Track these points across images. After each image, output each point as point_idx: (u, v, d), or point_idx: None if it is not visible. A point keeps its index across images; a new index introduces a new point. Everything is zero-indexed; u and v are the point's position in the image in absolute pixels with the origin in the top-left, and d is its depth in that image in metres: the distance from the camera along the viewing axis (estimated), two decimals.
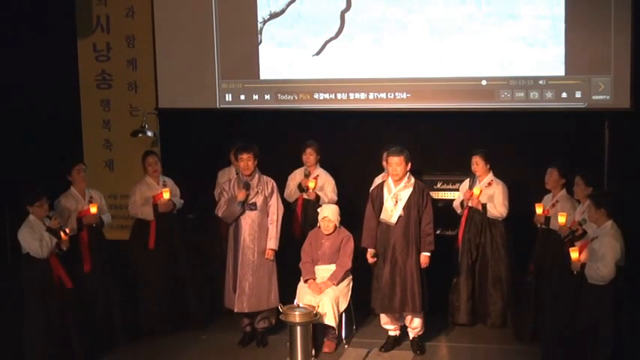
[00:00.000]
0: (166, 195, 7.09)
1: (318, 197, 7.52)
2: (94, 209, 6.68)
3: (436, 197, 7.54)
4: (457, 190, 7.54)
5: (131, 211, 7.21)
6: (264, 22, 8.26)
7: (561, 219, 6.28)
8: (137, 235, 7.21)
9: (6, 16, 8.56)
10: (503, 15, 7.77)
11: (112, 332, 6.76)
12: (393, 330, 6.71)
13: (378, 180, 7.18)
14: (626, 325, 5.58)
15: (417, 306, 6.35)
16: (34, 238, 6.02)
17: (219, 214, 6.85)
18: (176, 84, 8.48)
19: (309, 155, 7.57)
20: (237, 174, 7.05)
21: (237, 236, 6.72)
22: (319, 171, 7.64)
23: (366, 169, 7.75)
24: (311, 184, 7.49)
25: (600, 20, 7.54)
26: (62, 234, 6.15)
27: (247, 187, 6.68)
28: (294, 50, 8.20)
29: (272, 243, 6.69)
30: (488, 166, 7.16)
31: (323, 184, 7.58)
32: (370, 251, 6.55)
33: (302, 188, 7.56)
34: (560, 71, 7.73)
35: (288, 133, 8.26)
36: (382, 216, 6.46)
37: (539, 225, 6.78)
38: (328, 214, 6.83)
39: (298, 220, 7.54)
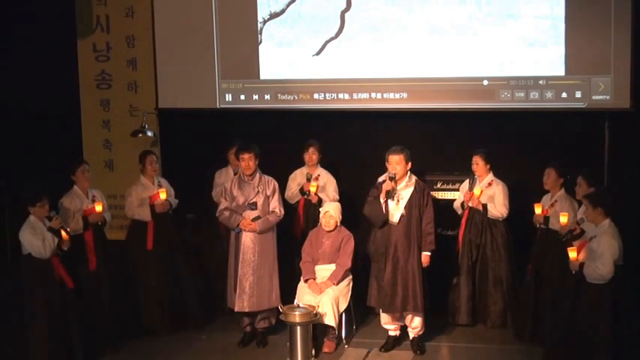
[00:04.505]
0: (163, 195, 7.08)
1: (320, 200, 7.50)
2: (99, 208, 6.69)
3: (436, 197, 7.53)
4: (457, 190, 7.54)
5: (128, 213, 7.20)
6: (264, 22, 8.26)
7: (563, 219, 6.29)
8: (134, 236, 7.20)
9: (6, 16, 8.56)
10: (503, 15, 7.77)
11: (113, 332, 6.75)
12: (393, 330, 6.71)
13: (380, 180, 7.17)
14: (625, 323, 5.58)
15: (419, 305, 6.35)
16: (37, 238, 6.02)
17: (220, 219, 6.86)
18: (176, 84, 8.48)
19: (312, 154, 7.56)
20: (234, 174, 7.04)
21: (238, 236, 6.72)
22: (320, 171, 7.63)
23: (366, 169, 7.75)
24: (312, 189, 7.47)
25: (600, 20, 7.55)
26: (63, 233, 6.15)
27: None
28: (294, 50, 8.20)
29: (258, 222, 6.66)
30: (488, 167, 7.16)
31: (325, 183, 7.57)
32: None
33: (304, 192, 7.55)
34: (560, 71, 7.74)
35: (288, 133, 8.26)
36: None
37: (538, 225, 6.79)
38: (330, 209, 6.85)
39: (300, 222, 7.54)
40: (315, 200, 7.48)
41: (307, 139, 7.65)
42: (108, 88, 8.83)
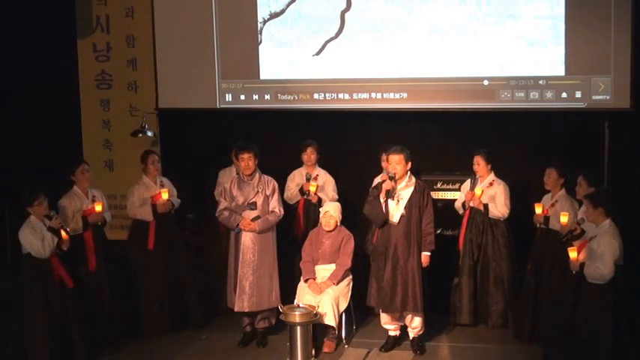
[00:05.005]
0: (165, 195, 7.09)
1: (320, 200, 7.51)
2: (99, 208, 6.69)
3: (436, 197, 7.53)
4: (457, 190, 7.54)
5: (129, 213, 7.20)
6: (264, 22, 8.26)
7: (563, 218, 6.29)
8: (136, 235, 7.20)
9: (6, 16, 8.56)
10: (504, 15, 7.78)
11: (113, 332, 6.76)
12: (393, 330, 6.71)
13: (377, 180, 7.18)
14: (626, 324, 5.58)
15: (418, 305, 6.35)
16: (36, 237, 6.02)
17: (219, 219, 6.86)
18: (176, 84, 8.48)
19: (310, 154, 7.56)
20: (237, 174, 7.05)
21: (237, 236, 6.72)
22: (319, 171, 7.64)
23: (366, 169, 7.75)
24: (312, 188, 7.48)
25: (600, 20, 7.55)
26: (63, 233, 6.15)
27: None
28: (294, 50, 8.21)
29: (258, 221, 6.65)
30: (489, 167, 7.16)
31: (323, 183, 7.58)
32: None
33: (303, 192, 7.55)
34: (560, 71, 7.74)
35: (288, 133, 8.26)
36: None
37: (538, 225, 6.79)
38: (330, 209, 6.85)
39: (300, 222, 7.54)
40: (314, 200, 7.48)
41: (307, 139, 7.66)
42: (108, 88, 8.83)
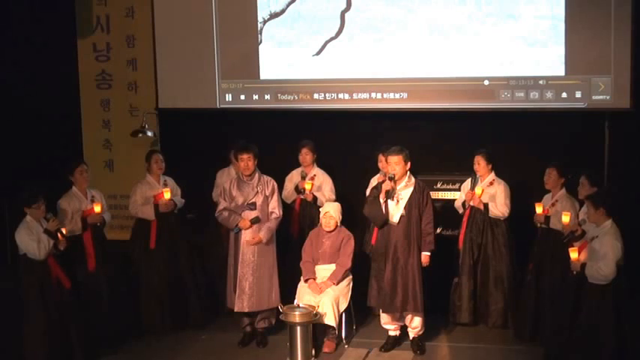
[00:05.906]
0: (167, 195, 7.09)
1: (315, 198, 7.52)
2: (97, 208, 6.70)
3: (436, 197, 7.53)
4: (457, 190, 7.55)
5: (132, 211, 7.21)
6: (264, 22, 8.26)
7: (565, 218, 6.29)
8: (138, 234, 7.22)
9: (6, 16, 8.56)
10: (503, 15, 7.77)
11: (112, 332, 6.75)
12: (393, 330, 6.71)
13: (373, 181, 7.19)
14: (626, 323, 5.58)
15: (419, 306, 6.35)
16: (32, 239, 6.01)
17: (219, 220, 6.86)
18: (176, 84, 8.48)
19: (305, 155, 7.58)
20: (237, 174, 7.06)
21: (237, 236, 6.72)
22: (316, 170, 7.64)
23: (365, 169, 7.74)
24: (307, 186, 7.49)
25: (600, 20, 7.55)
26: (59, 235, 6.14)
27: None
28: (294, 50, 8.21)
29: (262, 233, 6.64)
30: (490, 166, 7.16)
31: (321, 183, 7.58)
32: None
33: (299, 190, 7.56)
34: (560, 71, 7.74)
35: (288, 133, 8.25)
36: None
37: (538, 224, 6.79)
38: (330, 209, 6.85)
39: (296, 221, 7.55)
40: (309, 198, 7.50)
41: (307, 139, 7.66)
42: (108, 88, 8.83)
